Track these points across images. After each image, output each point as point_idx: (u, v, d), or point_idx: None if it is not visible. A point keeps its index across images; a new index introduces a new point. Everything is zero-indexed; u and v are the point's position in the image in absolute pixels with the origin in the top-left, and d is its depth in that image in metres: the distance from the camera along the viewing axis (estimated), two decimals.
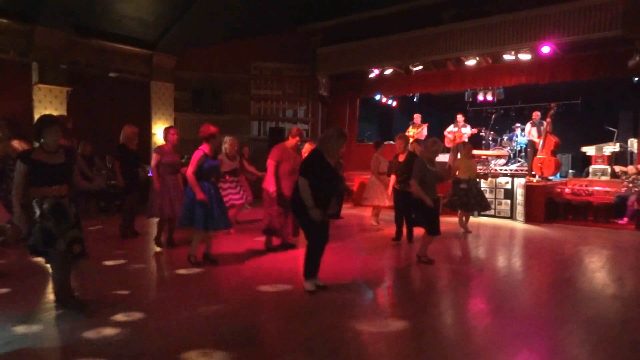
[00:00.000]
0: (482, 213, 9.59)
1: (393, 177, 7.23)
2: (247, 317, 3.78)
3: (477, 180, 7.98)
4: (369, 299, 4.52)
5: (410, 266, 5.77)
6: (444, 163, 11.35)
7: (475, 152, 13.07)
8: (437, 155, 5.78)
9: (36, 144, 3.96)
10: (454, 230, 8.15)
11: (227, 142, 7.34)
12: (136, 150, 6.91)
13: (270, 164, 5.90)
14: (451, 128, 12.07)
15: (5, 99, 9.91)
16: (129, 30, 11.72)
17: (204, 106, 13.33)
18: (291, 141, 6.04)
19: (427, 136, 12.84)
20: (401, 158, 6.97)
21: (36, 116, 10.56)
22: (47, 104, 10.70)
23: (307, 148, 8.99)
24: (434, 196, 5.56)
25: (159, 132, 12.98)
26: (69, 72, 10.94)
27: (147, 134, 12.71)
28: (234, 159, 7.38)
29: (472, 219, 9.43)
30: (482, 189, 8.02)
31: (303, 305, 4.10)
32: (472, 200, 7.74)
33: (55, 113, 10.76)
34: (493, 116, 14.60)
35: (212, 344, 3.21)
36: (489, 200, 9.59)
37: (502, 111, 14.74)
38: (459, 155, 11.86)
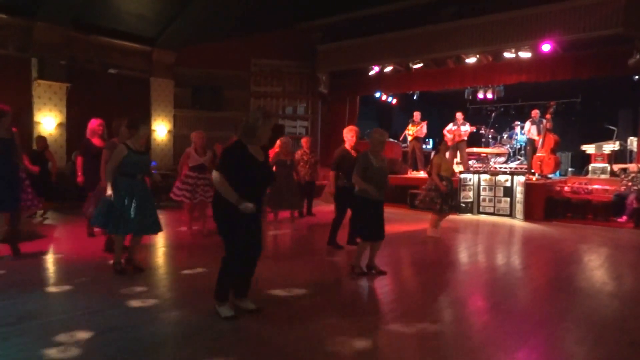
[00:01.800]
0: (480, 211, 9.64)
1: (332, 174, 6.29)
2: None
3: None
4: (365, 298, 4.53)
5: (405, 265, 5.78)
6: None
7: (474, 149, 13.16)
8: (383, 148, 5.01)
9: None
10: (453, 228, 8.16)
11: (193, 136, 6.99)
12: (102, 146, 6.18)
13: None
14: (450, 126, 12.07)
15: (4, 95, 9.86)
16: (129, 26, 11.70)
17: (203, 103, 13.31)
18: None
19: (427, 134, 12.87)
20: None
21: (36, 112, 10.57)
22: (47, 100, 10.69)
23: (305, 142, 9.04)
24: (380, 196, 4.85)
25: (159, 128, 12.97)
26: (69, 68, 10.92)
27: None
28: (202, 154, 6.89)
29: (471, 216, 9.48)
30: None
31: (306, 306, 4.11)
32: (448, 201, 7.18)
33: (54, 109, 10.79)
34: (493, 114, 14.61)
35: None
36: (489, 198, 9.64)
37: (502, 109, 14.76)
38: (452, 154, 11.96)
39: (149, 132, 4.95)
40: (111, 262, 4.94)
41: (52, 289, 4.43)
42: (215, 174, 3.43)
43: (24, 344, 3.09)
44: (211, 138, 7.95)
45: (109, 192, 4.57)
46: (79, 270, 4.98)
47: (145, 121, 4.91)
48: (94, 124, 6.37)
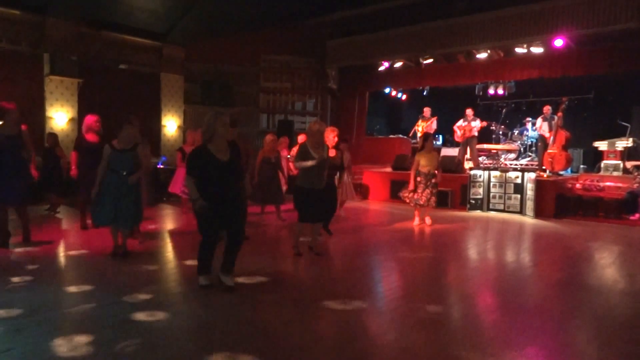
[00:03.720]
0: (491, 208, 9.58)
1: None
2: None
3: (434, 174, 7.62)
4: (369, 294, 4.53)
5: (412, 262, 5.76)
6: (453, 157, 11.30)
7: (485, 146, 13.06)
8: (321, 138, 5.26)
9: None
10: (459, 223, 8.13)
11: (194, 135, 7.20)
12: (96, 141, 6.34)
13: None
14: (461, 122, 11.98)
15: (17, 90, 10.01)
16: (139, 21, 11.75)
17: (213, 98, 13.35)
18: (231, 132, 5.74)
19: (437, 130, 12.81)
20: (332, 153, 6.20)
21: (48, 108, 10.68)
22: (59, 95, 10.79)
23: (301, 139, 9.00)
24: (319, 185, 5.21)
25: (169, 124, 13.04)
26: (80, 63, 11.01)
27: (157, 126, 12.78)
28: None
29: (480, 213, 9.42)
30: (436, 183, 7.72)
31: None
32: (424, 195, 7.54)
33: (66, 104, 10.89)
34: (504, 110, 14.49)
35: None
36: (499, 195, 9.57)
37: (512, 105, 14.62)
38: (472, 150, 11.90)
39: (133, 130, 5.26)
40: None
41: (62, 283, 4.49)
42: (186, 177, 4.03)
43: (38, 336, 3.15)
44: None
45: (95, 188, 5.11)
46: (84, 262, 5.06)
47: (125, 125, 5.21)
48: (90, 120, 6.46)
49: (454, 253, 6.17)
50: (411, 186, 7.63)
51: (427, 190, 7.58)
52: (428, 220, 7.88)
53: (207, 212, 3.94)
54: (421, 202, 7.63)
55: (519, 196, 9.35)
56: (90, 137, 6.39)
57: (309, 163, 5.09)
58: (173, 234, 6.94)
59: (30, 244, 5.65)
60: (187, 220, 7.76)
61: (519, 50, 10.82)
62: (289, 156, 8.85)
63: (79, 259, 5.29)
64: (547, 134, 10.79)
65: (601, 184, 9.52)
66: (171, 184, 8.30)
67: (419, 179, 7.61)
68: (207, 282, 4.19)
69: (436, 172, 7.66)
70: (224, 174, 4.03)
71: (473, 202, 9.66)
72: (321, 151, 5.22)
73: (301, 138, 8.92)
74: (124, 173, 5.11)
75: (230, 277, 4.20)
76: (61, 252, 5.60)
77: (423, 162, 7.59)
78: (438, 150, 12.23)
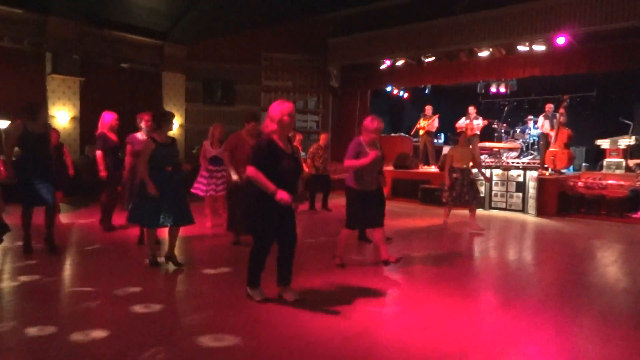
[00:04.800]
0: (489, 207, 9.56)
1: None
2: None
3: (470, 170, 7.36)
4: (372, 291, 4.53)
5: (415, 259, 5.76)
6: None
7: (487, 144, 13.04)
8: (378, 135, 4.74)
9: None
10: (461, 223, 8.12)
11: (210, 129, 7.00)
12: (116, 139, 6.37)
13: (224, 154, 5.71)
14: (463, 120, 11.97)
15: (19, 89, 10.03)
16: (141, 20, 11.76)
17: (214, 97, 13.37)
18: (247, 127, 5.62)
19: (438, 128, 12.79)
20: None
21: (50, 106, 10.70)
22: (61, 94, 10.81)
23: (323, 139, 9.00)
24: (372, 186, 4.80)
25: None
26: (82, 62, 11.04)
27: None
28: (217, 146, 6.81)
29: (482, 211, 9.40)
30: (475, 179, 7.46)
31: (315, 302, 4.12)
32: (464, 192, 7.20)
33: (68, 103, 10.92)
34: (505, 108, 14.47)
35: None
36: (501, 193, 9.57)
37: (514, 103, 14.61)
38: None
39: (171, 125, 4.92)
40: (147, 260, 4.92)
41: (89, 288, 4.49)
42: (250, 168, 3.59)
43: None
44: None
45: (150, 188, 4.52)
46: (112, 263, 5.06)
47: (170, 114, 4.88)
48: (110, 118, 6.33)
49: (456, 251, 6.15)
50: (447, 182, 7.22)
51: (465, 189, 7.22)
52: (446, 220, 7.51)
53: (287, 202, 3.54)
54: (462, 203, 7.23)
55: (520, 194, 9.34)
56: (113, 136, 6.28)
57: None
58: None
59: (55, 250, 5.30)
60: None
61: (521, 48, 10.80)
62: (303, 153, 8.83)
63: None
64: (549, 132, 10.78)
65: (603, 182, 9.50)
66: (195, 183, 7.42)
67: (455, 175, 7.22)
68: (264, 297, 3.80)
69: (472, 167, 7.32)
70: (291, 166, 3.69)
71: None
72: (376, 149, 4.75)
73: (323, 138, 8.93)
74: (169, 169, 4.69)
75: (291, 289, 3.88)
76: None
77: (457, 157, 7.25)
78: (439, 148, 12.22)
